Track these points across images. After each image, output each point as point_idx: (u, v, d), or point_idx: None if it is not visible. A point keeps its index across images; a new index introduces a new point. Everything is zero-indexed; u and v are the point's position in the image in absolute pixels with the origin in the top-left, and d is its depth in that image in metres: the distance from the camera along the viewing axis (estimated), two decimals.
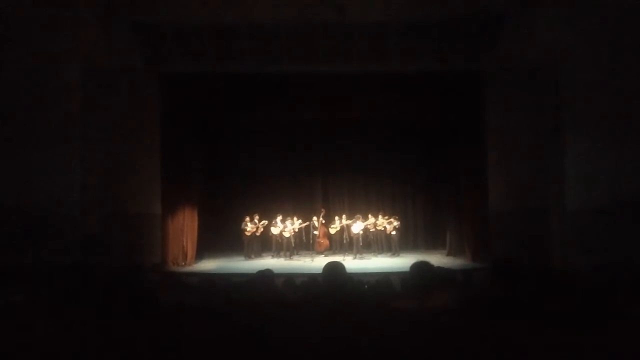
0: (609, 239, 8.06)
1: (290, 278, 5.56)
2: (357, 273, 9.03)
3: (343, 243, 12.74)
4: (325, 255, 12.24)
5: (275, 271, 4.82)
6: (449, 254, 12.58)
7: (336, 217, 12.84)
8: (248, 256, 12.32)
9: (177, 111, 11.24)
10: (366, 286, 5.14)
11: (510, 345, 2.51)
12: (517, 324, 2.66)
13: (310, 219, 12.73)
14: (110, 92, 10.47)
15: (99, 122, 10.28)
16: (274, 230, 12.40)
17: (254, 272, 4.71)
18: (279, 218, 12.43)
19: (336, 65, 10.57)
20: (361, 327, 2.75)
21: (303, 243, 12.79)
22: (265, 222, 12.44)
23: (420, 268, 3.56)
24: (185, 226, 11.76)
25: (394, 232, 12.47)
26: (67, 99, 9.11)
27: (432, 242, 13.80)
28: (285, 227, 12.31)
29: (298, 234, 12.52)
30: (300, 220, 12.49)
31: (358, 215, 12.50)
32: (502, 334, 2.59)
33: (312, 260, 11.93)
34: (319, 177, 14.10)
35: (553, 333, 2.57)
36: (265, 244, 12.78)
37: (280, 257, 12.30)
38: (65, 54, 8.92)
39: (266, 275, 4.56)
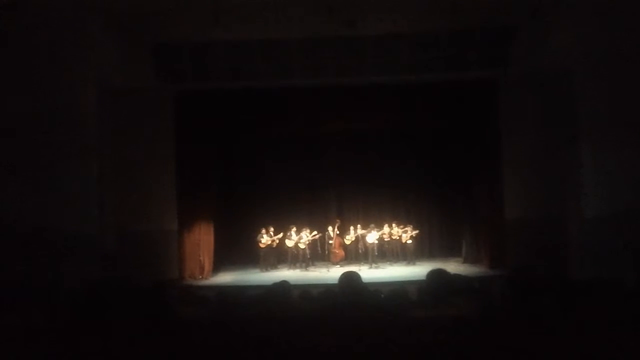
0: (626, 247, 7.95)
1: (306, 289, 5.57)
2: (373, 283, 9.01)
3: (358, 253, 12.74)
4: (341, 266, 12.23)
5: (292, 283, 4.84)
6: (465, 262, 12.51)
7: (351, 227, 12.83)
8: (264, 268, 12.34)
9: (192, 127, 11.37)
10: (382, 295, 5.13)
11: (526, 354, 2.50)
12: (534, 333, 2.65)
13: (325, 230, 12.75)
14: (126, 110, 10.62)
15: (114, 141, 10.43)
16: (289, 243, 12.42)
17: (270, 284, 4.74)
18: (294, 230, 12.47)
19: (349, 78, 10.63)
20: (379, 337, 2.76)
21: (318, 254, 12.80)
22: (280, 234, 12.48)
23: (437, 276, 3.57)
24: (202, 240, 11.84)
25: (409, 241, 12.44)
26: (83, 118, 9.26)
27: (447, 251, 13.69)
28: (300, 238, 12.34)
29: (313, 245, 12.54)
30: (315, 232, 12.53)
31: (372, 225, 12.49)
32: (519, 343, 2.59)
33: (328, 270, 11.92)
34: (333, 188, 14.09)
35: (569, 342, 2.56)
36: (281, 256, 12.80)
37: (296, 268, 12.31)
38: (80, 73, 9.09)
39: (283, 287, 4.59)
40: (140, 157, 10.77)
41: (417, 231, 12.51)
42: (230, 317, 3.73)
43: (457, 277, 3.69)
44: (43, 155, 8.45)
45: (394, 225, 12.61)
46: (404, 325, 2.94)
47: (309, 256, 12.41)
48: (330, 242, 12.68)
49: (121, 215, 10.51)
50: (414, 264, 12.24)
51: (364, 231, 12.52)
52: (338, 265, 12.36)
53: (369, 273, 11.10)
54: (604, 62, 8.60)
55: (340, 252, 12.73)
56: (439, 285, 3.40)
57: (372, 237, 12.30)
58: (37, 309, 3.69)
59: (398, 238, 12.45)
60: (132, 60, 10.16)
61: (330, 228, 12.77)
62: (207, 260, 11.89)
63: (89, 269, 8.69)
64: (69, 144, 8.87)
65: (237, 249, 13.43)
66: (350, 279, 3.59)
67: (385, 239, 12.45)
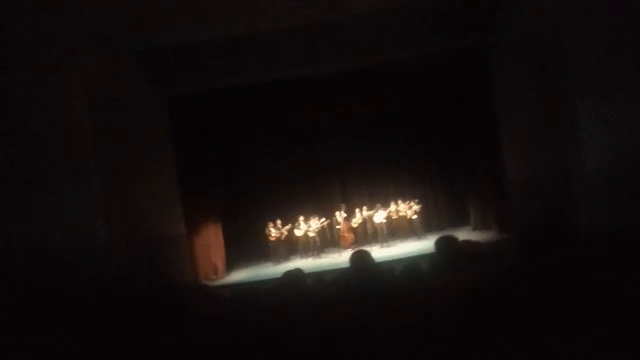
0: (632, 197, 7.96)
1: (320, 276, 5.61)
2: (386, 261, 9.07)
3: (367, 234, 12.78)
4: (352, 249, 12.25)
5: (305, 271, 4.85)
6: (474, 229, 12.55)
7: (357, 210, 12.87)
8: (276, 261, 12.41)
9: (189, 130, 11.37)
10: (396, 272, 5.16)
11: (541, 315, 2.52)
12: (547, 293, 2.66)
13: (332, 216, 12.79)
14: (121, 119, 10.58)
15: (113, 150, 10.42)
16: (298, 232, 12.48)
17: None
18: (301, 219, 12.51)
19: (339, 62, 10.53)
20: (395, 312, 2.79)
21: (328, 240, 12.85)
22: (288, 225, 12.52)
23: (445, 243, 3.59)
24: (211, 241, 11.87)
25: (415, 216, 12.50)
26: (79, 132, 9.23)
27: (456, 221, 13.71)
28: (309, 226, 12.40)
29: (322, 232, 12.59)
30: (323, 219, 12.58)
31: (378, 205, 12.54)
32: (533, 301, 2.61)
33: (340, 255, 11.98)
34: (335, 174, 14.11)
35: (583, 301, 2.57)
36: (292, 247, 12.86)
37: (308, 257, 12.37)
38: (70, 87, 9.04)
39: (296, 275, 4.60)
40: (140, 166, 10.76)
41: (419, 205, 12.55)
42: (248, 313, 3.76)
43: (465, 243, 3.72)
44: (41, 174, 8.45)
45: (399, 202, 12.64)
46: (419, 296, 2.97)
47: (319, 244, 12.46)
48: (338, 227, 12.73)
49: (129, 227, 10.52)
50: (424, 238, 12.28)
51: (370, 212, 12.56)
52: (350, 249, 12.41)
53: (380, 252, 11.15)
54: (595, 16, 8.51)
55: (349, 236, 12.78)
56: (449, 252, 3.42)
57: (379, 216, 12.33)
58: (61, 327, 3.73)
59: (405, 215, 12.51)
60: (120, 68, 10.10)
61: (337, 213, 12.82)
62: (219, 260, 11.93)
63: (103, 282, 8.74)
64: (67, 158, 8.86)
65: (247, 245, 13.46)
66: (360, 257, 3.62)
67: (393, 217, 12.49)
